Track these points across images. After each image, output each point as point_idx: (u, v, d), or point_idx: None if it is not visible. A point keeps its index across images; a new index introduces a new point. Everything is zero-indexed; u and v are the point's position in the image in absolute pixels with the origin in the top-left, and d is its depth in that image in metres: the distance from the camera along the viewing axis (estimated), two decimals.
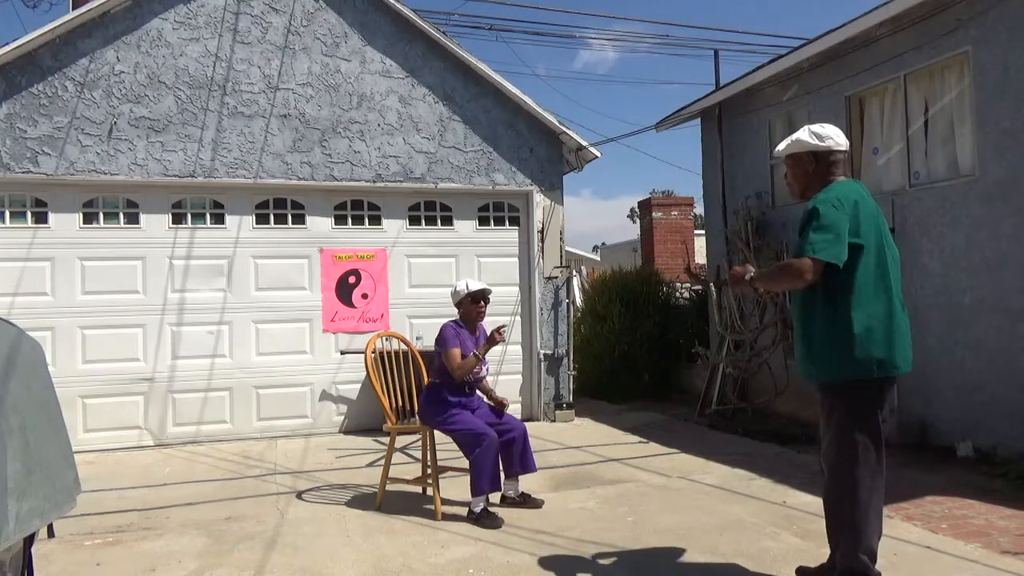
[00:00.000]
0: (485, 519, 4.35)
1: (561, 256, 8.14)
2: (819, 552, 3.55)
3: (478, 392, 4.87)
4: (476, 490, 4.42)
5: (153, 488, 5.40)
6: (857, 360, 3.06)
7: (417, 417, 4.88)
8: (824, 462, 3.25)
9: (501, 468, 4.60)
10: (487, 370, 4.87)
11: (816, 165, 3.27)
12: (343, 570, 3.72)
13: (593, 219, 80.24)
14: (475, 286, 4.77)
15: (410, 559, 3.83)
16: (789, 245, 7.24)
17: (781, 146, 3.40)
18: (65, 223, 6.84)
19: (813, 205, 3.14)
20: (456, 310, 4.87)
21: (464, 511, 4.51)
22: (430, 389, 4.76)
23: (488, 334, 4.70)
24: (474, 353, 4.63)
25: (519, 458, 4.72)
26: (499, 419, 4.75)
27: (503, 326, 4.77)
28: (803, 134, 3.31)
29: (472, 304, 4.77)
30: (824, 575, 3.31)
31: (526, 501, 4.72)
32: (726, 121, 8.76)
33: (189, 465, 6.15)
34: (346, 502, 4.92)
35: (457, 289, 4.80)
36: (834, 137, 3.26)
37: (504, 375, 7.76)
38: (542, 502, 4.72)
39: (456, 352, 4.62)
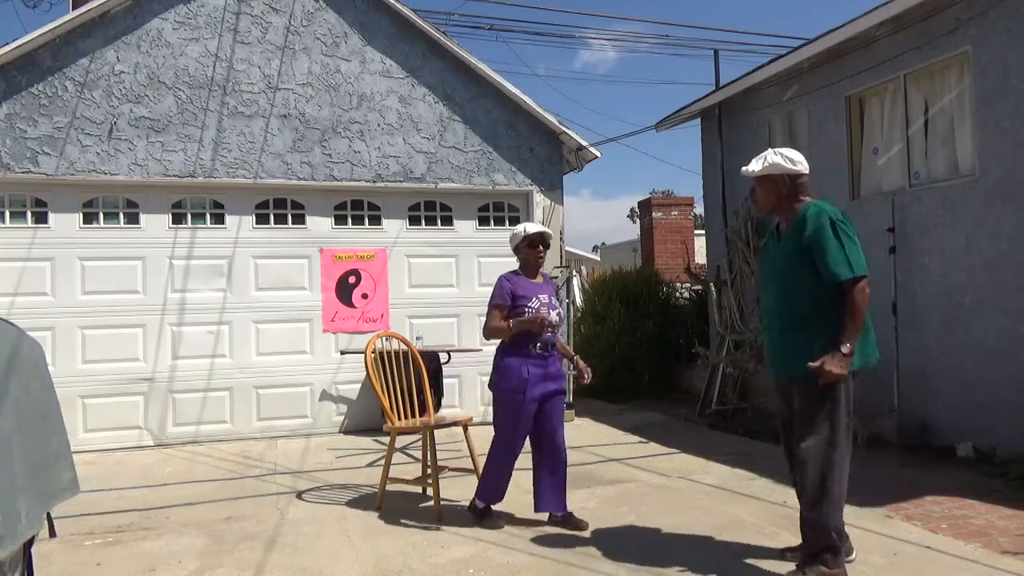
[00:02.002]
0: (486, 519, 4.34)
1: (561, 256, 8.14)
2: None
3: (556, 351, 4.42)
4: (478, 494, 4.40)
5: (153, 488, 5.40)
6: (862, 353, 3.36)
7: (424, 412, 4.87)
8: (809, 448, 3.37)
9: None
10: (559, 315, 4.41)
11: (789, 187, 3.53)
12: (343, 570, 3.72)
13: (593, 219, 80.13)
14: (532, 228, 4.44)
15: (410, 559, 3.83)
16: None
17: (755, 167, 3.56)
18: (65, 223, 6.84)
19: (826, 217, 3.35)
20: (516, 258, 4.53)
21: (464, 512, 4.50)
22: (499, 349, 4.38)
23: (554, 286, 4.39)
24: (508, 323, 4.25)
25: (549, 493, 4.35)
26: (554, 429, 4.34)
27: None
28: (777, 158, 3.52)
29: (529, 249, 4.43)
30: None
31: (567, 521, 4.28)
32: (726, 121, 8.76)
33: (189, 465, 6.15)
34: (346, 502, 4.92)
35: (515, 232, 4.48)
36: (803, 161, 3.56)
37: None
38: (586, 524, 4.24)
39: (495, 312, 4.30)
